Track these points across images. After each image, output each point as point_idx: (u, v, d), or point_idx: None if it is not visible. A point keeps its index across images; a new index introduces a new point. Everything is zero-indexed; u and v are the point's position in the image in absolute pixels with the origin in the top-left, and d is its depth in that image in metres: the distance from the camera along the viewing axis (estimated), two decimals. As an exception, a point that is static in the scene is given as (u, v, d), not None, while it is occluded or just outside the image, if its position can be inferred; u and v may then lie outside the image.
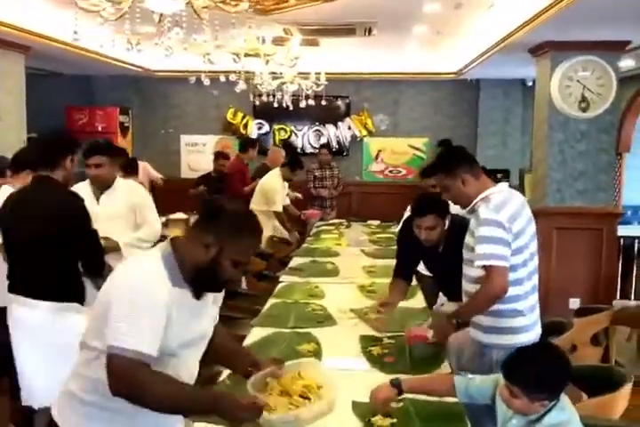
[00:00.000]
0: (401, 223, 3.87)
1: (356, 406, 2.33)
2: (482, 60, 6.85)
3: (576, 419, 2.01)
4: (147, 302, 1.69)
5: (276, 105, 6.34)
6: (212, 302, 1.97)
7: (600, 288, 5.60)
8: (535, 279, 2.85)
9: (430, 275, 4.20)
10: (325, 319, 3.49)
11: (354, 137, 9.16)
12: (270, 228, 6.24)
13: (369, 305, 3.75)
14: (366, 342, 3.08)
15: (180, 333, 1.79)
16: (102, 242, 3.34)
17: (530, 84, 8.37)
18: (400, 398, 2.40)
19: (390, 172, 9.21)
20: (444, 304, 3.43)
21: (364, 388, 2.51)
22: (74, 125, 8.51)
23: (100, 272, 3.10)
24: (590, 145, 5.57)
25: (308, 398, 1.95)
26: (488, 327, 2.79)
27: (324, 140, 9.04)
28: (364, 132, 9.15)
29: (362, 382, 2.60)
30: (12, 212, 3.13)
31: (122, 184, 3.90)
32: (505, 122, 8.93)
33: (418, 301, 3.95)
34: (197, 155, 9.25)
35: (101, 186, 3.79)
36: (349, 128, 9.13)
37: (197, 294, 1.85)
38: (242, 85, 5.07)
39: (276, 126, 9.14)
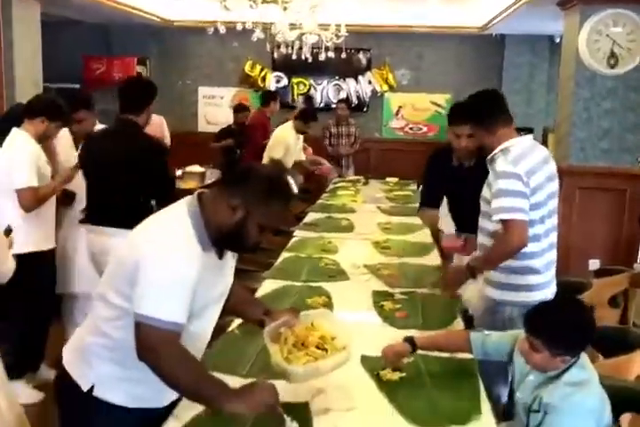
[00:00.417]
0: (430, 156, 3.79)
1: (365, 359, 2.29)
2: (508, 14, 6.61)
3: (595, 379, 1.98)
4: (179, 269, 1.63)
5: (294, 57, 6.19)
6: (232, 257, 1.92)
7: (620, 250, 5.49)
8: (553, 237, 2.79)
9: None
10: (338, 274, 3.44)
11: (374, 92, 8.99)
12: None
13: (383, 261, 3.71)
14: (378, 297, 3.04)
15: (205, 294, 1.75)
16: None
17: (558, 40, 8.10)
18: (411, 353, 2.37)
19: (410, 129, 9.06)
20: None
21: (374, 342, 2.48)
22: (91, 75, 8.42)
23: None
24: (617, 103, 5.38)
25: (325, 350, 1.92)
26: (502, 284, 2.74)
27: (343, 95, 8.88)
28: (385, 87, 8.97)
29: (372, 336, 2.57)
30: (98, 150, 3.44)
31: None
32: (530, 79, 8.70)
33: (432, 257, 3.89)
34: (215, 108, 9.14)
35: (81, 138, 3.76)
36: (370, 83, 8.95)
37: (220, 254, 1.80)
38: (259, 34, 4.94)
39: (294, 80, 8.98)
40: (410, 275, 3.45)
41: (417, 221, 4.97)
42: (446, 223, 4.33)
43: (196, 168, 6.59)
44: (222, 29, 4.53)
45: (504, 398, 2.80)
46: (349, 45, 7.57)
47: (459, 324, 2.75)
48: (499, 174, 2.62)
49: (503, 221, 2.58)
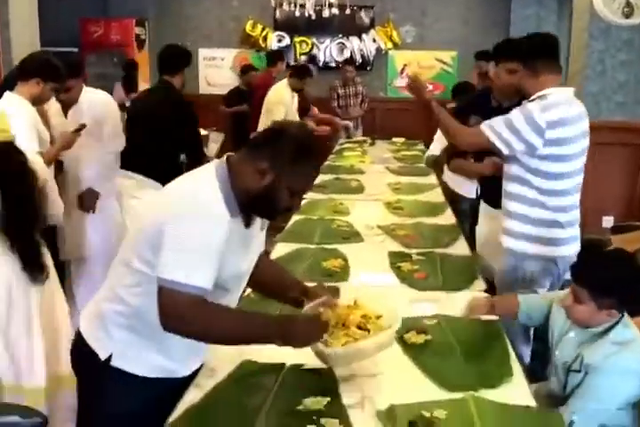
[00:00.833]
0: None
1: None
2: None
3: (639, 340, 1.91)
4: (206, 232, 1.54)
5: (297, 14, 6.00)
6: (260, 229, 1.82)
7: (634, 206, 5.40)
8: (578, 196, 2.72)
9: None
10: (351, 236, 3.36)
11: (378, 50, 8.77)
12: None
13: (396, 222, 3.63)
14: (395, 258, 2.96)
15: (232, 265, 1.66)
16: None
17: (566, -9, 7.86)
18: (432, 315, 2.31)
19: (416, 87, 8.86)
20: None
21: (393, 303, 2.42)
22: (88, 38, 8.21)
23: (200, 161, 3.71)
24: (633, 54, 5.24)
25: (367, 330, 1.78)
26: (526, 236, 2.67)
27: (347, 54, 8.66)
28: (390, 45, 8.75)
29: (390, 297, 2.50)
30: (139, 108, 4.02)
31: (87, 97, 3.71)
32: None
33: (446, 217, 3.81)
34: (215, 69, 8.94)
35: (69, 105, 3.66)
36: (374, 41, 8.72)
37: (247, 222, 1.70)
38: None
39: (296, 39, 8.75)
40: (426, 235, 3.37)
41: (427, 180, 4.94)
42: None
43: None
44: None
45: (527, 359, 2.75)
46: (353, 2, 7.35)
47: (480, 284, 2.67)
48: (521, 109, 2.56)
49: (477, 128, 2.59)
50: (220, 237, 1.55)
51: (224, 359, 1.91)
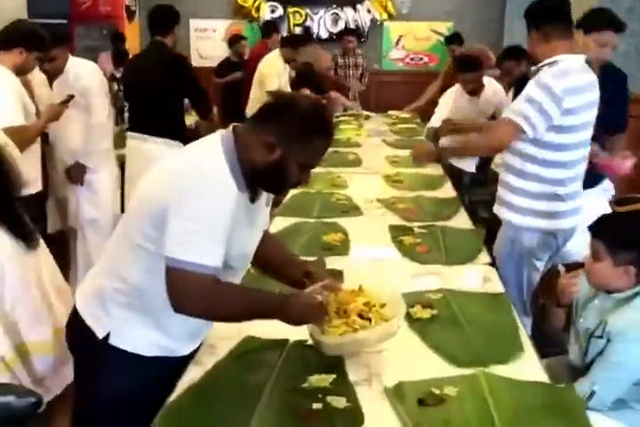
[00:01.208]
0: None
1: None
2: None
3: None
4: (214, 207, 1.45)
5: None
6: (266, 204, 1.74)
7: (636, 180, 5.32)
8: (581, 168, 2.67)
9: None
10: (351, 209, 3.29)
11: (373, 21, 8.61)
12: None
13: (396, 195, 3.55)
14: (396, 231, 2.89)
15: (238, 242, 1.58)
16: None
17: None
18: (437, 289, 2.25)
19: (411, 59, 8.72)
20: None
21: (396, 278, 2.37)
22: (77, 10, 7.99)
23: (208, 114, 4.14)
24: (634, 23, 5.09)
25: (369, 319, 1.69)
26: (525, 210, 2.65)
27: (341, 25, 8.50)
28: (385, 16, 8.58)
29: (393, 272, 2.45)
30: (136, 69, 4.05)
31: (72, 67, 3.59)
32: (536, 3, 8.29)
33: (446, 190, 3.73)
34: (207, 41, 8.77)
35: (54, 75, 3.55)
36: (369, 11, 8.56)
37: (253, 197, 1.62)
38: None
39: (290, 9, 8.57)
40: (426, 208, 3.30)
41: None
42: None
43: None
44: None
45: (527, 330, 2.70)
46: (347, -30, 7.19)
47: (484, 257, 2.61)
48: (535, 82, 2.49)
49: (501, 120, 2.50)
50: (228, 212, 1.47)
51: (225, 336, 1.85)
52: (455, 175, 4.20)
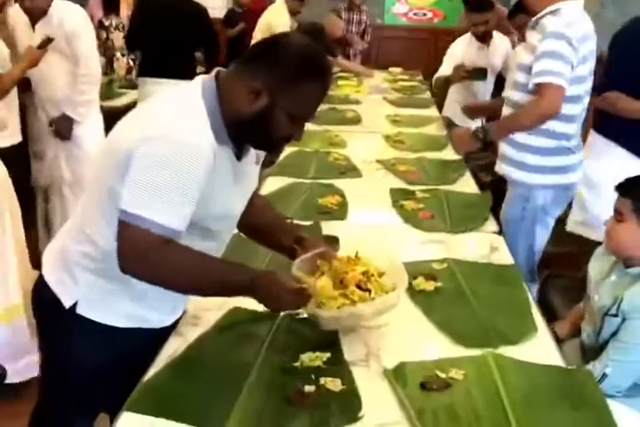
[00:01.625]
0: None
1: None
2: None
3: None
4: (185, 159, 1.25)
5: None
6: (255, 162, 1.54)
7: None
8: (582, 120, 2.65)
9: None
10: (349, 170, 3.10)
11: (377, -27, 8.26)
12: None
13: (397, 156, 3.37)
14: (397, 195, 2.71)
15: (219, 203, 1.39)
16: None
17: None
18: (442, 258, 2.09)
19: (415, 14, 8.40)
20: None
21: (397, 245, 2.20)
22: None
23: (216, 58, 4.32)
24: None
25: (368, 290, 1.52)
26: (537, 167, 2.59)
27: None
28: (389, -32, 8.24)
29: (394, 238, 2.29)
30: (151, 11, 4.15)
31: (57, 8, 3.30)
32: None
33: (450, 152, 3.54)
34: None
35: (37, 16, 3.26)
36: (372, -38, 8.18)
37: (239, 153, 1.42)
38: None
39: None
40: (429, 171, 3.13)
41: (428, 113, 4.66)
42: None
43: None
44: None
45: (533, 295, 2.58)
46: None
47: (491, 224, 2.45)
48: (547, 34, 2.41)
49: (538, 85, 2.42)
50: (199, 169, 1.28)
51: (209, 306, 1.69)
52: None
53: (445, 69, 4.29)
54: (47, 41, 3.05)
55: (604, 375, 1.73)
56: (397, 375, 1.44)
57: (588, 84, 2.57)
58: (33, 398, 1.64)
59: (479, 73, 4.08)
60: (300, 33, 1.61)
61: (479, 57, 4.18)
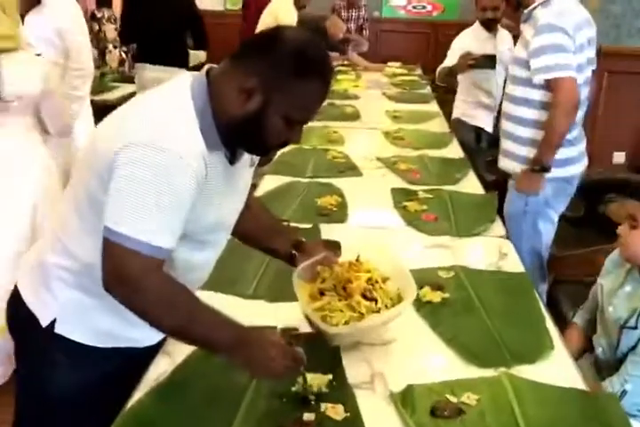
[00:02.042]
0: None
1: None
2: None
3: None
4: (172, 171, 1.12)
5: None
6: (249, 165, 1.40)
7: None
8: (582, 111, 2.59)
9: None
10: (348, 168, 2.97)
11: (374, -35, 8.09)
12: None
13: (397, 154, 3.24)
14: (399, 195, 2.58)
15: (211, 212, 1.26)
16: None
17: None
18: (449, 266, 1.97)
19: (414, 7, 8.21)
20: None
21: (400, 250, 2.08)
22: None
23: (205, 47, 4.68)
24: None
25: (374, 300, 1.39)
26: None
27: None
28: (387, -41, 8.07)
29: (396, 242, 2.16)
30: (142, 4, 4.34)
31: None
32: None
33: (452, 149, 3.42)
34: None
35: (27, 5, 3.05)
36: (370, -47, 8.01)
37: (232, 157, 1.29)
38: None
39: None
40: (432, 170, 3.00)
41: (429, 108, 4.53)
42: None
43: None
44: None
45: (543, 298, 2.47)
46: None
47: (499, 227, 2.33)
48: (541, 28, 2.40)
49: (549, 82, 2.39)
50: (190, 180, 1.15)
51: (200, 321, 1.56)
52: (474, 137, 3.93)
53: (449, 62, 4.02)
54: None
55: (624, 392, 1.63)
56: (405, 400, 1.32)
57: (587, 73, 2.54)
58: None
59: (488, 60, 3.77)
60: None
61: (486, 47, 3.90)
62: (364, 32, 6.90)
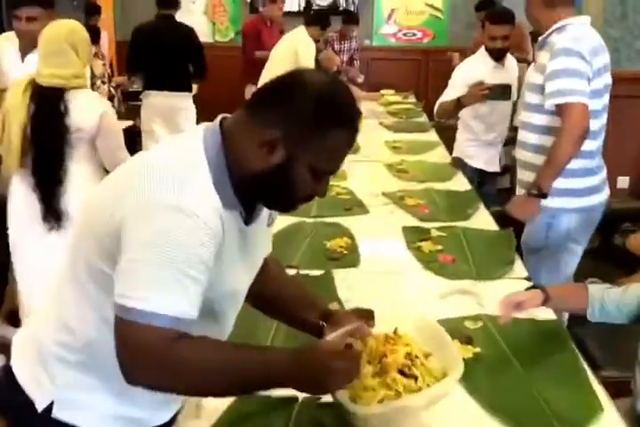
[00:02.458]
0: None
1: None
2: None
3: None
4: (187, 238, 1.01)
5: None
6: (267, 225, 1.29)
7: None
8: (602, 138, 2.56)
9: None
10: (355, 206, 2.85)
11: (364, -6, 8.08)
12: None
13: (403, 188, 3.12)
14: (412, 235, 2.46)
15: (226, 278, 1.13)
16: None
17: None
18: (474, 315, 1.84)
19: (404, 35, 8.20)
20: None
21: (418, 297, 1.97)
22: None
23: (204, 76, 4.84)
24: None
25: (414, 377, 1.21)
26: (560, 190, 2.43)
27: (330, -1, 7.94)
28: (376, -12, 8.06)
29: (413, 287, 2.04)
30: (149, 37, 4.72)
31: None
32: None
33: (459, 182, 3.31)
34: (187, 14, 8.18)
35: (30, 43, 3.01)
36: (359, -17, 8.01)
37: (249, 217, 1.17)
38: None
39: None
40: (440, 204, 2.89)
41: (427, 137, 4.44)
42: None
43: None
44: None
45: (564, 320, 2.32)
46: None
47: (519, 268, 2.20)
48: (557, 52, 2.34)
49: (560, 107, 2.32)
50: (208, 242, 1.03)
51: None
52: (476, 178, 3.64)
53: (452, 94, 3.55)
54: None
55: None
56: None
57: (605, 99, 2.49)
58: None
59: (502, 90, 3.40)
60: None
61: (495, 78, 3.52)
62: (355, 62, 6.87)
